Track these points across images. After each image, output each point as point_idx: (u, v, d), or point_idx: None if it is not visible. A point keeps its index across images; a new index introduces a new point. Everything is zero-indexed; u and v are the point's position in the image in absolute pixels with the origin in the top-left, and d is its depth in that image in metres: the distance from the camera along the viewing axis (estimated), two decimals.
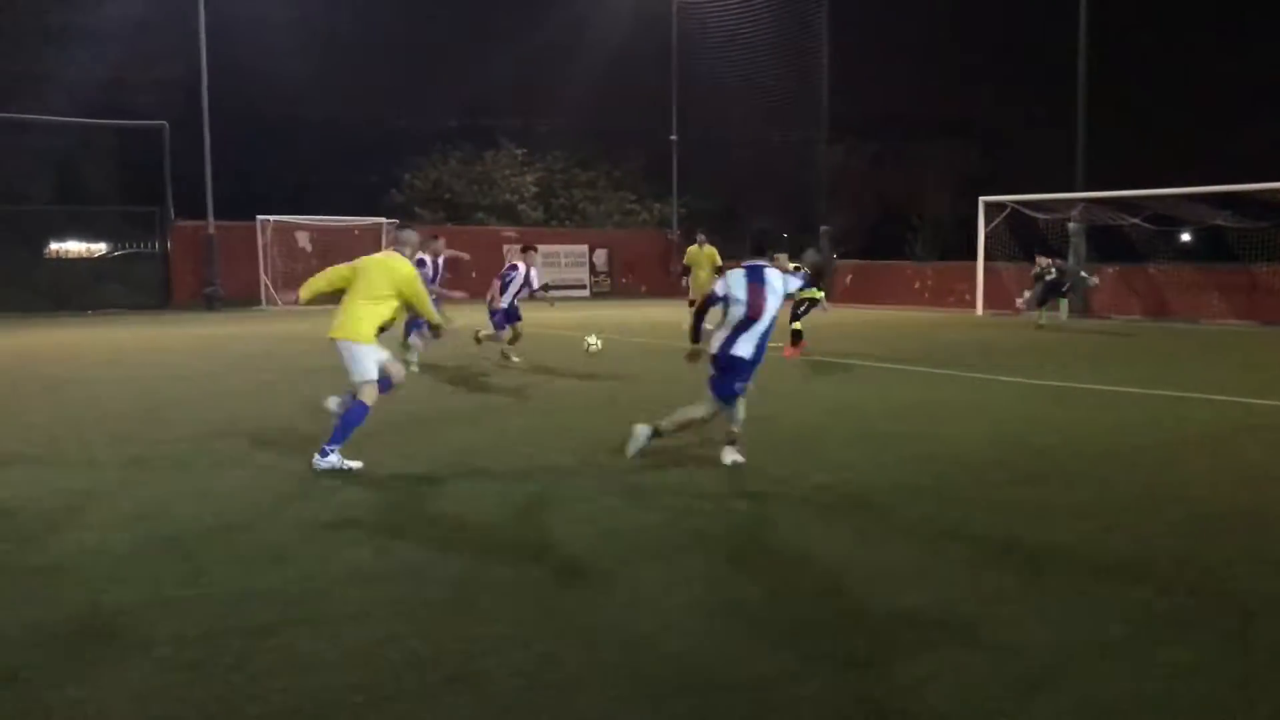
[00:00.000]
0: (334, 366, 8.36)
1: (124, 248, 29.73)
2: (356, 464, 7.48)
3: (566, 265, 33.88)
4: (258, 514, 6.35)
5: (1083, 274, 22.15)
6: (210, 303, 27.51)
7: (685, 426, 7.67)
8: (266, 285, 28.70)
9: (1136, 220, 23.56)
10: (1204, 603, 4.78)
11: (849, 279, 31.30)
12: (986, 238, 25.58)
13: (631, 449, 7.53)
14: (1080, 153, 25.17)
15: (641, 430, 7.55)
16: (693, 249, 19.62)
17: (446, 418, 9.99)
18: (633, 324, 22.03)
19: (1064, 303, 22.08)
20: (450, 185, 35.91)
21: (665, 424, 7.58)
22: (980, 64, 35.65)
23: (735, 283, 7.52)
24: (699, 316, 7.95)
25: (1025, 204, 25.25)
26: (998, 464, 7.87)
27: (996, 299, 25.91)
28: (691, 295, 19.33)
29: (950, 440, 8.84)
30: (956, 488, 7.11)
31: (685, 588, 4.98)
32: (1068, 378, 12.84)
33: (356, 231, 30.28)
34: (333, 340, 7.79)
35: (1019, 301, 22.92)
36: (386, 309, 7.81)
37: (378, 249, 30.69)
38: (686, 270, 19.61)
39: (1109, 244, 25.50)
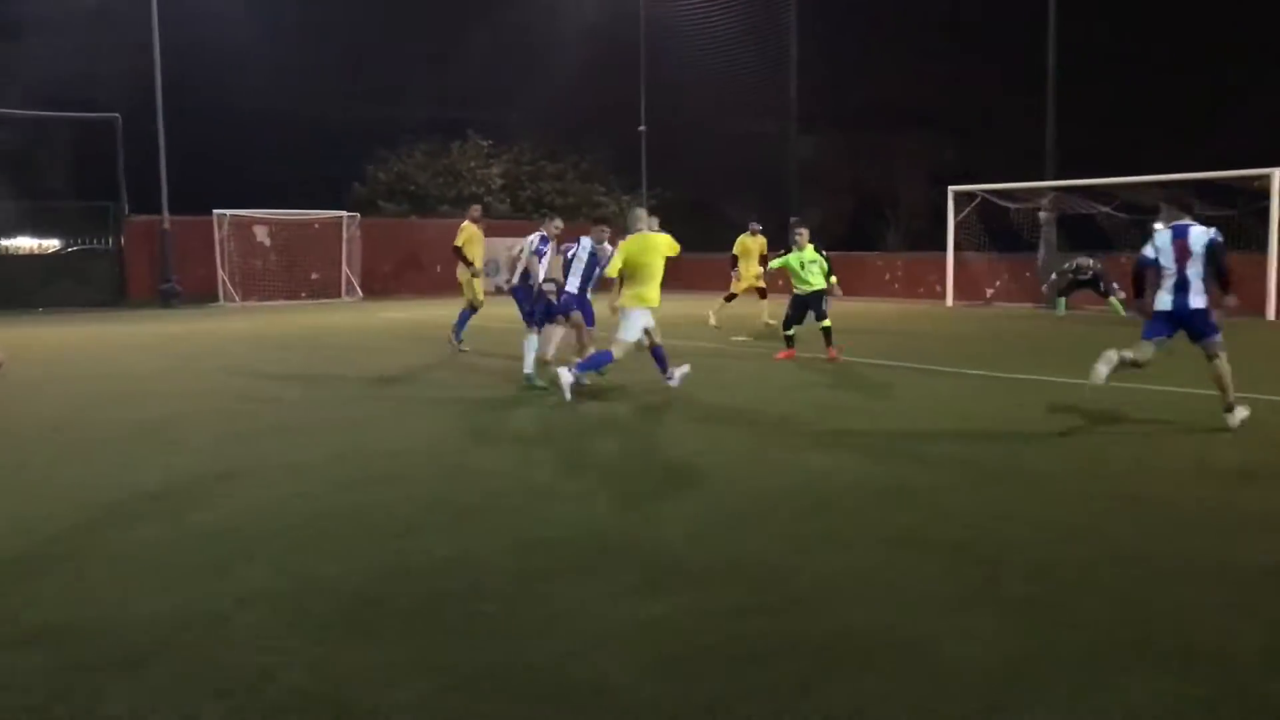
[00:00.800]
0: (272, 368, 7.88)
1: (77, 244, 29.03)
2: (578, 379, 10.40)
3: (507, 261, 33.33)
4: (154, 521, 5.87)
5: (1115, 284, 21.63)
6: (166, 299, 26.85)
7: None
8: (224, 281, 28.06)
9: (1107, 209, 23.26)
10: (1161, 615, 4.38)
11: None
12: (957, 228, 25.25)
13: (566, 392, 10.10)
14: (1050, 141, 24.86)
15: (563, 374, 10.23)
16: (744, 238, 18.91)
17: (373, 421, 9.53)
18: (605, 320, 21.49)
19: (1061, 301, 21.63)
20: (414, 178, 35.29)
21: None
22: (952, 53, 35.36)
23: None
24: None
25: (995, 194, 24.94)
26: (962, 463, 7.47)
27: (967, 290, 25.62)
28: (733, 288, 18.93)
29: (911, 436, 8.44)
30: (913, 489, 6.70)
31: (610, 603, 4.54)
32: (1035, 370, 12.48)
33: (317, 225, 29.68)
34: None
35: (989, 292, 22.68)
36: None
37: (338, 243, 30.84)
38: (734, 261, 18.94)
39: (1081, 233, 25.22)
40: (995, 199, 24.98)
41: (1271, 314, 20.30)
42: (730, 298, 19.06)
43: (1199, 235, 8.58)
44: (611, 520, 5.97)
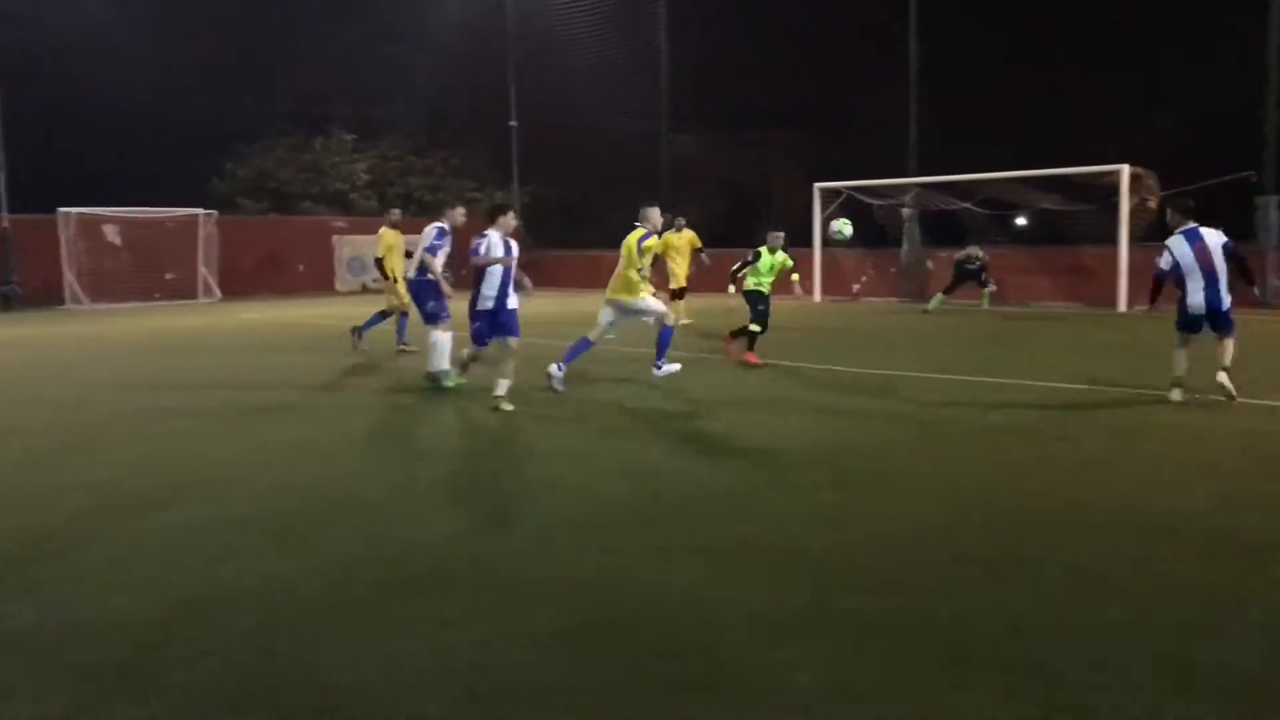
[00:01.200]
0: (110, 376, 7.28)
1: None
2: (676, 366, 11.46)
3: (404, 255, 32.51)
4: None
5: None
6: (6, 302, 25.35)
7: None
8: (71, 283, 26.60)
9: (968, 205, 23.72)
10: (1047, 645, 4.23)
11: (705, 260, 30.93)
12: (824, 224, 25.43)
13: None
14: (912, 139, 25.26)
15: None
16: (670, 235, 18.05)
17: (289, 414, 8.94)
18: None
19: (987, 294, 21.77)
20: (276, 174, 34.06)
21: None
22: (823, 51, 35.72)
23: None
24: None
25: (860, 190, 25.20)
26: (819, 464, 7.31)
27: (835, 285, 25.88)
28: (672, 284, 18.06)
29: (772, 436, 8.27)
30: (767, 494, 6.50)
31: (432, 631, 4.19)
32: (898, 365, 12.51)
33: (171, 224, 28.38)
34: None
35: (855, 287, 22.90)
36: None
37: (194, 242, 29.51)
38: (656, 258, 18.05)
39: (944, 229, 25.67)
40: (860, 195, 25.24)
41: (1123, 306, 20.92)
42: (677, 294, 18.30)
43: (1214, 237, 9.49)
44: (445, 537, 5.61)
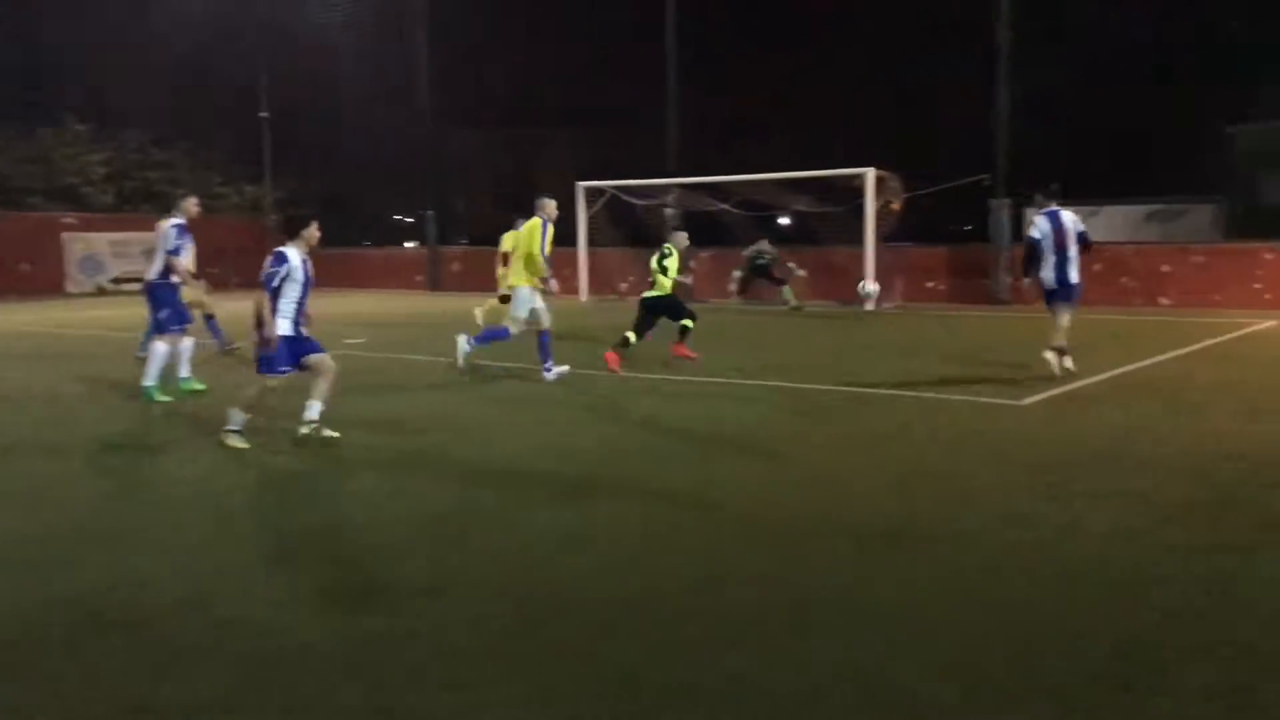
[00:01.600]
0: None
1: None
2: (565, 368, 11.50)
3: (142, 254, 30.33)
4: None
5: (790, 264, 21.95)
6: None
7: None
8: None
9: (727, 206, 24.16)
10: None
11: (455, 267, 30.32)
12: (588, 222, 25.38)
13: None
14: (672, 139, 25.52)
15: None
16: (512, 234, 16.92)
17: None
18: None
19: (787, 289, 21.82)
20: None
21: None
22: (592, 50, 35.75)
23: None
24: None
25: (623, 189, 25.26)
26: (546, 477, 7.05)
27: (601, 284, 25.86)
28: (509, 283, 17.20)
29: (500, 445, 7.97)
30: (491, 512, 6.19)
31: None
32: (647, 369, 12.46)
33: None
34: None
35: (687, 279, 22.90)
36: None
37: None
38: (505, 258, 17.00)
39: (706, 229, 26.07)
40: (623, 195, 25.31)
41: (869, 305, 21.78)
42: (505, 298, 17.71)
43: (1071, 221, 10.90)
44: (142, 579, 5.01)
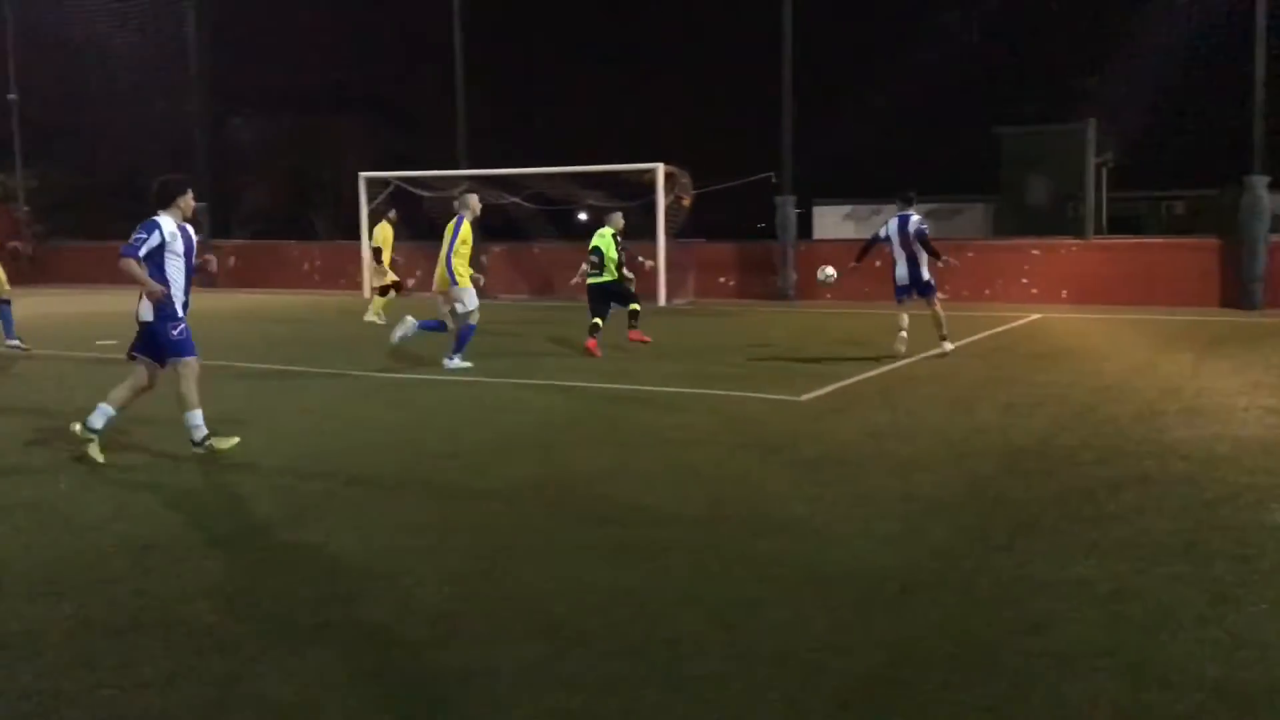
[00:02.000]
0: None
1: None
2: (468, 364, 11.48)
3: None
4: None
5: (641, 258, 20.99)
6: None
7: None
8: None
9: (516, 199, 23.58)
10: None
11: (233, 261, 28.60)
12: (371, 215, 24.29)
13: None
14: (461, 131, 24.77)
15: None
16: (385, 225, 18.31)
17: None
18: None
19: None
20: None
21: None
22: (386, 39, 34.57)
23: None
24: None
25: (409, 181, 24.34)
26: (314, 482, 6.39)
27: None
28: (385, 280, 18.31)
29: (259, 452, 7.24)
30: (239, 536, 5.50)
31: None
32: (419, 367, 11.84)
33: None
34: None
35: (409, 282, 22.01)
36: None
37: None
38: (377, 253, 18.18)
39: (497, 224, 25.46)
40: (410, 187, 24.40)
41: (661, 300, 21.67)
42: (385, 290, 18.42)
43: (916, 223, 12.26)
44: None
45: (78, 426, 7.24)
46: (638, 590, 4.72)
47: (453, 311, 11.90)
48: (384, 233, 18.28)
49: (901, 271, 12.40)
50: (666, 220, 21.68)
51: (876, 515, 5.87)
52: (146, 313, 7.12)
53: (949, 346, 12.53)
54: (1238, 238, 18.98)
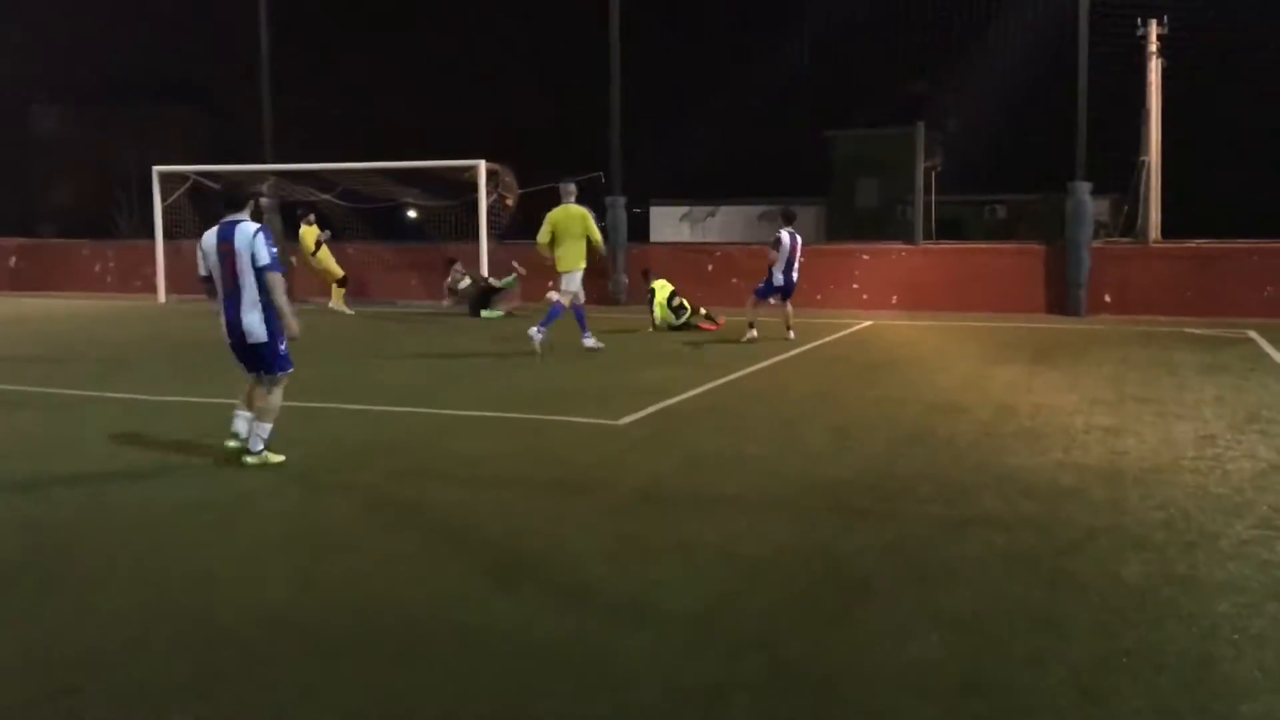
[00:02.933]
0: None
1: None
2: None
3: None
4: None
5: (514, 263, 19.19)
6: None
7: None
8: None
9: (329, 196, 21.99)
10: None
11: (13, 261, 26.03)
12: (168, 213, 22.29)
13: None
14: (268, 125, 22.97)
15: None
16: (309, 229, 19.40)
17: None
18: None
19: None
20: None
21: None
22: (209, 28, 32.41)
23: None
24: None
25: (209, 176, 22.41)
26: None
27: (184, 283, 22.88)
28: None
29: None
30: None
31: None
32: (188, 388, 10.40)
33: None
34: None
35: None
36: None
37: None
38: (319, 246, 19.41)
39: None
40: (209, 182, 22.48)
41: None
42: (343, 281, 19.90)
43: (796, 236, 14.51)
44: None
45: (251, 459, 7.01)
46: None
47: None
48: (308, 236, 19.50)
49: (777, 279, 14.28)
50: (489, 220, 20.44)
51: (688, 582, 4.94)
52: (260, 331, 6.89)
53: (793, 335, 14.38)
54: (1060, 243, 19.04)
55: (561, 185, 13.17)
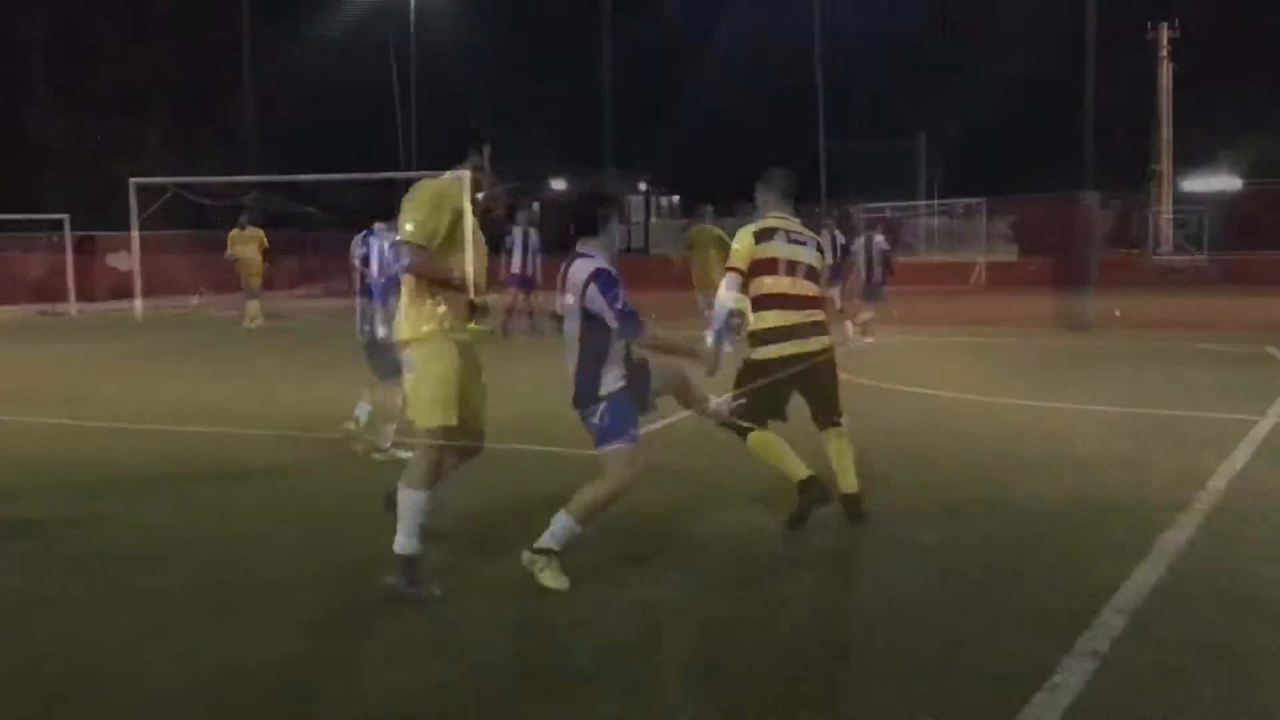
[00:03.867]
0: None
1: None
2: None
3: None
4: None
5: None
6: None
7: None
8: None
9: (311, 209, 21.54)
10: None
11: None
12: (146, 225, 21.66)
13: None
14: (250, 130, 22.42)
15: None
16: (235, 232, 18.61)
17: None
18: None
19: None
20: None
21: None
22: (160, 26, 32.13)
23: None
24: None
25: (187, 188, 21.79)
26: None
27: (163, 294, 22.36)
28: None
29: None
30: None
31: None
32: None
33: None
34: None
35: (194, 300, 19.86)
36: None
37: None
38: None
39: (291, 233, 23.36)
40: (190, 194, 21.90)
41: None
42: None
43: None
44: None
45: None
46: None
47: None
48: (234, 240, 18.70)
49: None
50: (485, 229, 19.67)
51: None
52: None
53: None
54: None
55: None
